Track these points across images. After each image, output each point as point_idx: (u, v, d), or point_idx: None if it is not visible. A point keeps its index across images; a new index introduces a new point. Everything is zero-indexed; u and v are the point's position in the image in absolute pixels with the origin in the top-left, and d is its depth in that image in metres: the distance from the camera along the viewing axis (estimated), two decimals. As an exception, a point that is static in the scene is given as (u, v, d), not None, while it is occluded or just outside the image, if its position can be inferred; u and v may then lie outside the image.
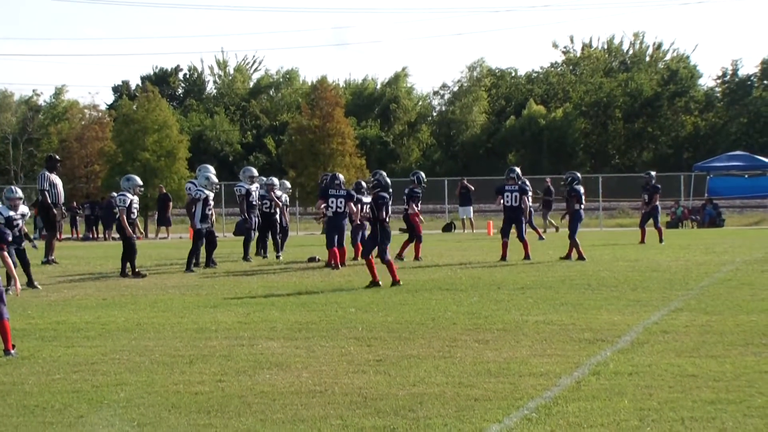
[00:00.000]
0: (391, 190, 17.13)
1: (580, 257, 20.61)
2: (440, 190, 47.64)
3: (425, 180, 23.04)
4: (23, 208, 16.98)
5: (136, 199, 19.74)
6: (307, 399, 7.87)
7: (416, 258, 21.51)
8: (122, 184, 20.07)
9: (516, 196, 21.28)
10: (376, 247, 16.42)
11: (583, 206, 21.32)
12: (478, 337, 10.61)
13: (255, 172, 23.60)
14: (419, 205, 22.02)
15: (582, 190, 21.39)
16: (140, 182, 20.34)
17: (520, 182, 21.64)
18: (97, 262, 23.41)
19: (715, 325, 11.18)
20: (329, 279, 17.65)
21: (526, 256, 21.00)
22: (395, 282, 16.06)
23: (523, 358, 9.33)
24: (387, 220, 16.56)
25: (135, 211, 19.69)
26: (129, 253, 19.19)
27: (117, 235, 39.75)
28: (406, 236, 22.61)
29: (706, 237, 30.38)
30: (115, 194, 41.30)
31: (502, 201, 21.43)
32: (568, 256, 20.95)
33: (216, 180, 21.61)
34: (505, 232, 21.33)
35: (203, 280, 18.10)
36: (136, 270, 19.14)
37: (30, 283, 16.88)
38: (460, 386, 8.19)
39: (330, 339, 10.71)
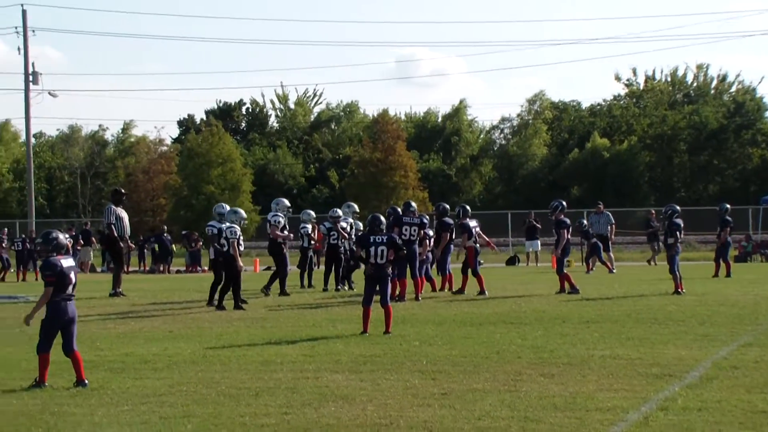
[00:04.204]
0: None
1: (676, 291, 20.12)
2: (503, 224, 47.47)
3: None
4: None
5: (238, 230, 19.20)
6: (373, 432, 7.87)
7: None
8: (228, 217, 19.53)
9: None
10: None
11: (680, 240, 20.83)
12: (544, 371, 10.54)
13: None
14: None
15: (681, 223, 21.01)
16: (245, 215, 20.18)
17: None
18: (164, 294, 23.66)
19: (786, 360, 10.99)
20: (393, 312, 17.59)
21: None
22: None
23: (590, 393, 9.25)
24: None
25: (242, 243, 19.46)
26: (236, 283, 19.13)
27: (183, 268, 40.75)
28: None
29: (774, 271, 29.88)
30: (169, 230, 42.20)
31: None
32: (677, 291, 20.18)
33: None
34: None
35: (268, 313, 18.21)
36: (241, 301, 19.10)
37: None
38: (525, 420, 8.14)
39: (394, 372, 10.71)
